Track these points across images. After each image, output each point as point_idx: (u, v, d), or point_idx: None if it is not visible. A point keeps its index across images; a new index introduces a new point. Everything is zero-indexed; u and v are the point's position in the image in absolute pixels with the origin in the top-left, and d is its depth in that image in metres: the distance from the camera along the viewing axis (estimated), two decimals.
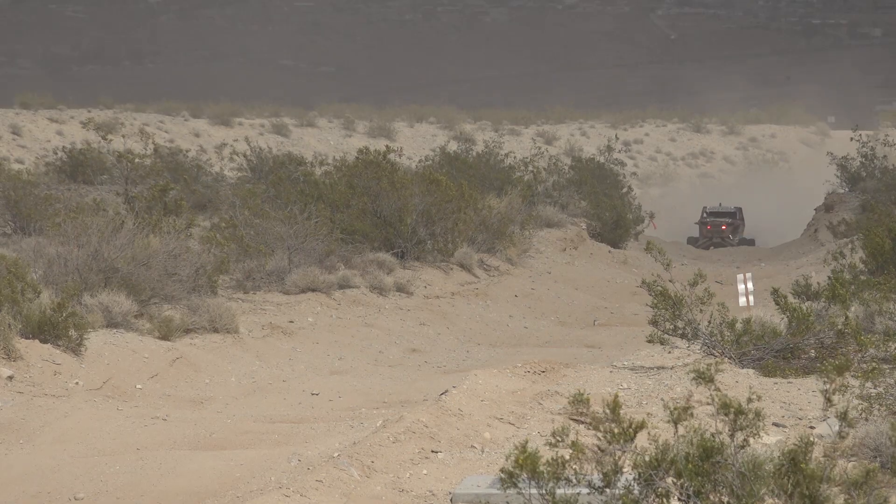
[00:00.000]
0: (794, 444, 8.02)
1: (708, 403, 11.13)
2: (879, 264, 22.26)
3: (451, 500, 10.77)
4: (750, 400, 8.22)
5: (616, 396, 8.42)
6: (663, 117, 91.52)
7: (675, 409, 8.25)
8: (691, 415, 8.28)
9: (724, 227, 50.07)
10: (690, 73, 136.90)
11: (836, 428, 8.15)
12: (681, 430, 8.23)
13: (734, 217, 51.29)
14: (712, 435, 8.08)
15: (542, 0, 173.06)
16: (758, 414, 8.12)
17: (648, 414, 12.68)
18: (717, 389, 8.51)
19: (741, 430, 8.06)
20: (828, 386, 8.78)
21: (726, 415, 8.08)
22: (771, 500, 8.07)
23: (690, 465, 7.99)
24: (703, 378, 8.59)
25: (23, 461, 12.90)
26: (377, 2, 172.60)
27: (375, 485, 11.29)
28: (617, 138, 52.92)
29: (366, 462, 11.63)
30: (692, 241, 50.00)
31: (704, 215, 51.29)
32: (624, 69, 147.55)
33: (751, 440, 8.09)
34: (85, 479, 12.13)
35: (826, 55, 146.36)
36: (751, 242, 49.71)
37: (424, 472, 11.64)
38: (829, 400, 8.60)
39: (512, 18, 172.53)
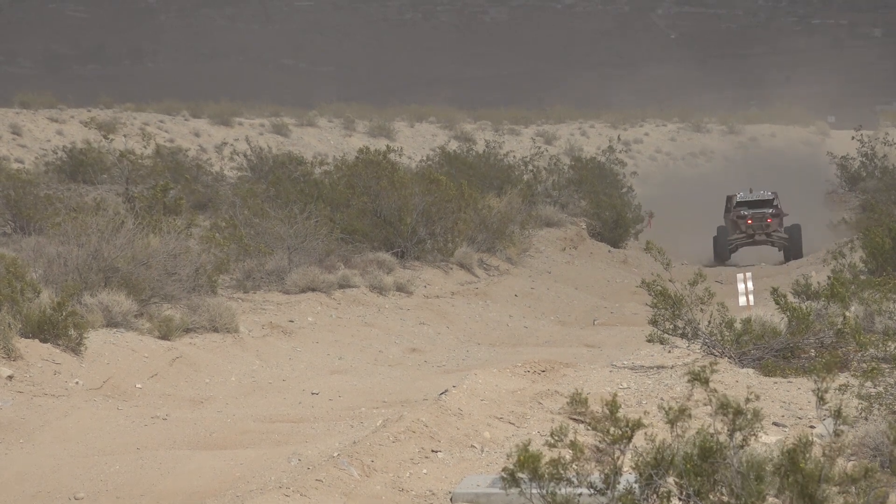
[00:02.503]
0: (793, 444, 8.03)
1: (707, 404, 11.15)
2: (879, 264, 22.27)
3: (451, 499, 10.78)
4: (748, 400, 8.23)
5: (614, 396, 8.43)
6: (663, 117, 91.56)
7: (670, 409, 8.26)
8: (689, 415, 8.28)
9: (769, 221, 39.40)
10: (690, 73, 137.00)
11: (833, 427, 8.17)
12: (679, 430, 8.23)
13: (775, 206, 40.23)
14: (711, 435, 8.09)
15: (542, 0, 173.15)
16: (756, 414, 8.12)
17: (645, 412, 12.69)
18: (714, 390, 8.52)
19: (740, 429, 8.06)
20: (819, 385, 8.79)
21: (725, 415, 8.08)
22: (771, 500, 8.08)
23: (690, 465, 8.00)
24: (699, 379, 8.60)
25: (22, 461, 12.90)
26: (377, 1, 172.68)
27: (375, 484, 11.30)
28: (619, 139, 52.90)
29: (366, 461, 11.63)
30: (721, 238, 39.73)
31: (734, 207, 40.45)
32: (624, 69, 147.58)
33: (750, 440, 8.10)
34: (84, 479, 12.13)
35: (826, 55, 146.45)
36: (797, 230, 39.21)
37: (424, 471, 11.64)
38: (821, 399, 8.61)
39: (511, 18, 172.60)
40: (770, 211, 39.58)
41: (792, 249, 38.66)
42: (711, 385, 8.69)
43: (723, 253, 39.22)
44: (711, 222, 42.02)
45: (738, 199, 40.35)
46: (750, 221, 39.32)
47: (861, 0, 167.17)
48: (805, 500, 7.84)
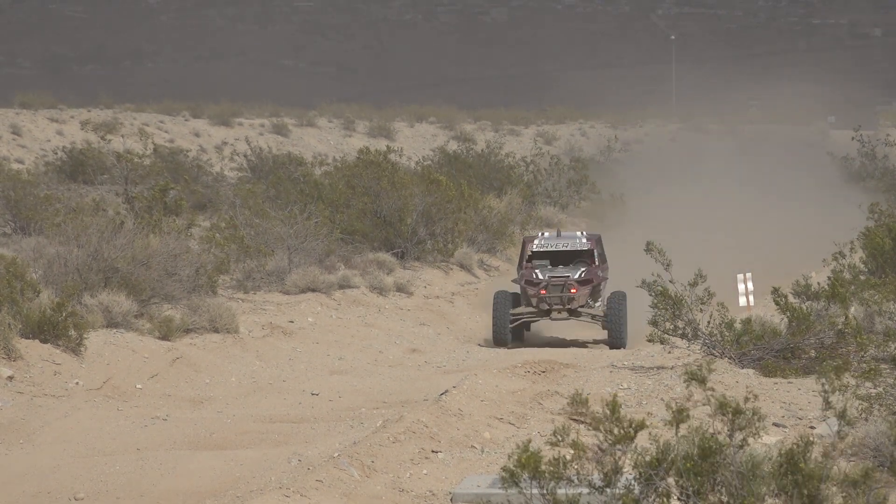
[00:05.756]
0: (793, 444, 8.03)
1: (706, 404, 11.16)
2: (879, 264, 22.26)
3: (451, 499, 10.78)
4: (747, 399, 8.23)
5: (615, 397, 8.43)
6: (663, 117, 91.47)
7: (674, 409, 8.27)
8: (688, 415, 8.29)
9: (573, 291, 22.77)
10: (690, 73, 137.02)
11: (836, 428, 8.16)
12: (681, 431, 8.24)
13: (588, 261, 23.71)
14: (711, 435, 8.09)
15: (542, 0, 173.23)
16: (756, 413, 8.12)
17: (649, 413, 12.70)
18: (711, 390, 8.53)
19: (740, 430, 8.07)
20: (826, 387, 8.79)
21: (724, 415, 8.09)
22: (771, 500, 8.08)
23: (690, 465, 8.00)
24: (696, 379, 8.60)
25: (23, 461, 12.91)
26: (377, 2, 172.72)
27: (375, 485, 11.30)
28: (617, 139, 52.90)
29: (366, 462, 11.64)
30: (501, 307, 22.89)
31: (527, 259, 23.77)
32: (624, 69, 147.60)
33: (750, 440, 8.10)
34: (85, 479, 12.13)
35: (826, 55, 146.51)
36: (619, 300, 22.57)
37: (424, 471, 11.65)
38: (827, 402, 8.61)
39: (511, 18, 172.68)
40: (576, 276, 23.03)
41: (612, 331, 22.52)
42: (710, 384, 8.69)
43: (502, 330, 22.99)
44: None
45: (535, 248, 23.81)
46: (543, 292, 22.86)
47: (861, 0, 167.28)
48: (805, 500, 7.84)
